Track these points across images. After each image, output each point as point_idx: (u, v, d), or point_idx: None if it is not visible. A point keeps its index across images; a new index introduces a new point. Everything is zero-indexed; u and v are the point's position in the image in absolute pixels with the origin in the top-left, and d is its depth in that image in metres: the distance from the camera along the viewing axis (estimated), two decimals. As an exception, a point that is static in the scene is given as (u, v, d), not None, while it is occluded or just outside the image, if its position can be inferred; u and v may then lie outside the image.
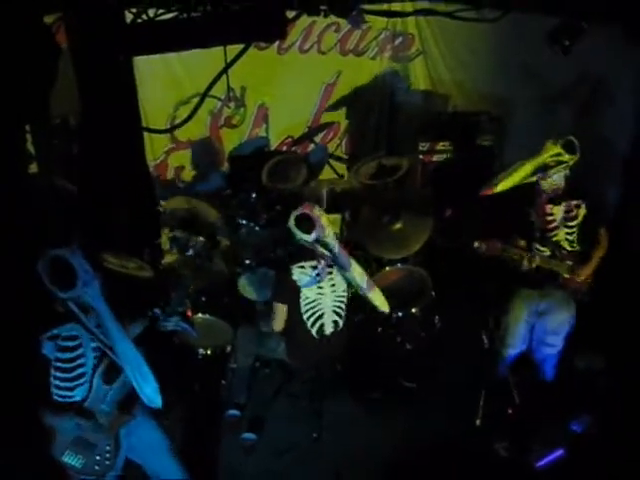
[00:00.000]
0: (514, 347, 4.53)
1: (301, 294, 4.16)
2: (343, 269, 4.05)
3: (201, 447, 4.54)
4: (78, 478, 3.39)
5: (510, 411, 4.49)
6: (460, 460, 4.28)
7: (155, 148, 6.24)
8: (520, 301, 4.46)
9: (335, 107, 6.72)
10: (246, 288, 5.23)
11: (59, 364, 3.24)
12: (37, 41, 2.28)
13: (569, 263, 4.26)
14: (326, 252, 3.96)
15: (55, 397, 3.28)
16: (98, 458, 3.33)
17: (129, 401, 3.41)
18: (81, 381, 3.27)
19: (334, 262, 4.06)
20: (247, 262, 5.29)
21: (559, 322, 4.41)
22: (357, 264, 4.05)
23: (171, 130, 5.95)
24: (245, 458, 4.48)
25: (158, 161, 6.37)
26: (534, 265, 4.19)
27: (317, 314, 4.19)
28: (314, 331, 4.21)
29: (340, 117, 6.82)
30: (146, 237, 5.20)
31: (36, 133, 5.05)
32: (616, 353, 4.84)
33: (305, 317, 4.18)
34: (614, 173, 5.91)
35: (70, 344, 3.23)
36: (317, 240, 3.87)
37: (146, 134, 5.48)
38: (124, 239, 4.84)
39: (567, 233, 4.25)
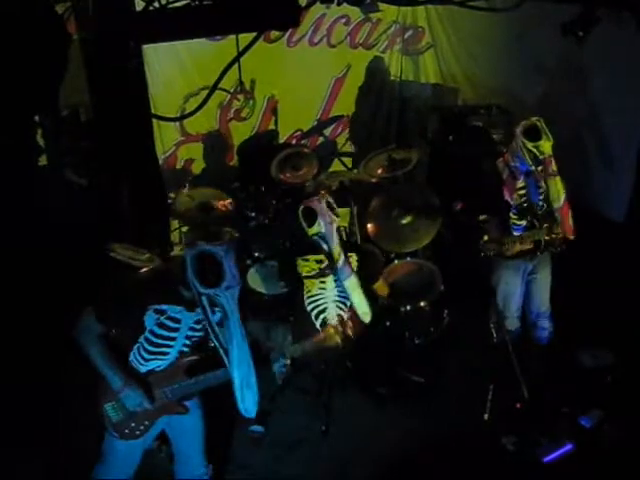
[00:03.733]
0: (518, 312, 4.69)
1: (304, 287, 4.16)
2: (339, 277, 4.04)
3: (209, 439, 4.55)
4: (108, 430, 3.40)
5: (518, 406, 4.47)
6: (468, 454, 4.27)
7: (165, 141, 6.24)
8: (512, 271, 4.57)
9: (345, 100, 6.71)
10: (255, 281, 5.23)
11: (150, 336, 3.23)
12: (47, 31, 2.28)
13: (545, 225, 4.40)
14: (327, 250, 3.96)
15: (130, 358, 3.30)
16: (133, 424, 3.37)
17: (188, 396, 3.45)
18: (159, 358, 3.29)
19: (333, 267, 4.04)
20: (256, 255, 5.30)
21: (546, 280, 4.67)
22: (355, 278, 4.02)
23: (180, 119, 5.94)
24: (253, 450, 4.49)
25: (168, 154, 6.37)
26: (520, 249, 4.37)
27: (320, 307, 4.19)
28: (318, 325, 4.20)
29: (350, 110, 6.80)
30: (155, 229, 5.21)
31: (45, 125, 5.07)
32: (625, 348, 4.82)
33: (309, 310, 4.18)
34: (627, 164, 5.85)
35: (171, 324, 3.22)
36: (319, 235, 3.88)
37: (155, 127, 5.49)
38: (133, 231, 4.86)
39: (540, 201, 4.39)
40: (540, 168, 4.23)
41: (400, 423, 4.62)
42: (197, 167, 6.58)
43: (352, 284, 4.01)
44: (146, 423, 3.41)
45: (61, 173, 5.25)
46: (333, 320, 4.22)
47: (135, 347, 3.27)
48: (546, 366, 4.73)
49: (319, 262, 4.13)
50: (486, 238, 4.38)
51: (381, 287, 4.86)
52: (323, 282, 4.17)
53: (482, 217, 4.44)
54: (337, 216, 3.98)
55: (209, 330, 3.07)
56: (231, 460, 4.42)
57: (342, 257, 3.95)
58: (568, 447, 4.11)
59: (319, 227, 3.87)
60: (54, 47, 2.36)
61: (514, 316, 4.69)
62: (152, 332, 3.23)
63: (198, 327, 3.29)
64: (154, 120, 5.22)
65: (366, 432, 4.56)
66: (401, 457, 4.37)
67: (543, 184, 4.32)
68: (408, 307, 4.97)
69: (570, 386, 4.58)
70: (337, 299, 4.21)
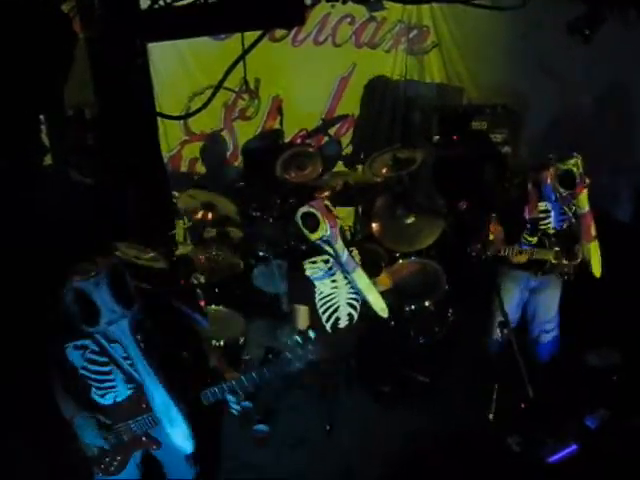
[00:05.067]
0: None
1: (316, 289, 4.15)
2: (346, 272, 4.04)
3: (213, 439, 4.55)
4: None
5: (523, 406, 4.46)
6: (472, 454, 4.26)
7: (169, 140, 6.26)
8: (511, 281, 4.60)
9: (349, 100, 6.71)
10: (259, 280, 5.24)
11: (86, 373, 3.13)
12: (53, 30, 2.28)
13: (556, 249, 4.41)
14: (331, 251, 3.96)
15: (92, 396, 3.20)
16: (107, 459, 3.27)
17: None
18: (110, 391, 3.16)
19: (339, 263, 4.04)
20: (260, 254, 5.30)
21: (552, 301, 4.66)
22: (361, 270, 4.03)
23: (185, 117, 5.95)
24: (257, 450, 4.49)
25: (172, 153, 6.38)
26: (523, 260, 4.36)
27: (332, 308, 4.18)
28: (329, 326, 4.19)
29: (354, 110, 6.79)
30: (160, 228, 5.21)
31: (51, 124, 5.07)
32: (631, 348, 4.80)
33: (320, 311, 4.17)
34: (634, 163, 5.84)
35: (98, 358, 3.09)
36: (322, 239, 3.89)
37: (160, 126, 5.49)
38: (138, 230, 4.86)
39: (559, 226, 4.42)
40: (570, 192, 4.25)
41: (405, 422, 4.61)
42: (201, 166, 6.58)
43: (360, 277, 4.01)
44: (119, 459, 3.27)
45: (66, 172, 5.25)
46: (344, 320, 4.21)
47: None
48: (552, 366, 4.73)
49: (326, 262, 4.12)
50: (492, 237, 4.38)
51: (384, 280, 4.86)
52: (334, 281, 4.17)
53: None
54: (337, 217, 3.99)
55: (120, 368, 2.96)
56: (235, 459, 4.42)
57: (345, 251, 3.96)
58: (573, 447, 4.09)
59: (323, 231, 3.86)
60: (60, 46, 2.36)
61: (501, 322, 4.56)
62: (85, 368, 3.11)
63: (132, 353, 3.04)
64: (159, 119, 5.22)
65: (371, 431, 4.56)
66: (406, 456, 4.36)
67: (567, 210, 4.38)
68: (413, 306, 4.96)
69: (576, 386, 4.56)
70: (349, 298, 4.20)
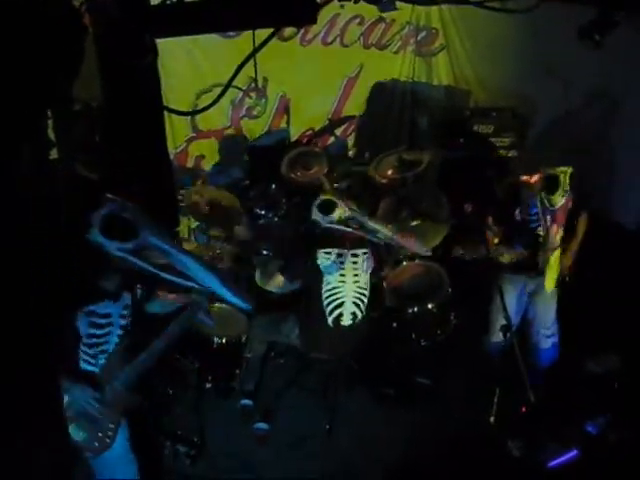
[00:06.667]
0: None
1: (323, 280, 4.16)
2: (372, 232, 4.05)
3: (214, 436, 4.56)
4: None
5: (524, 410, 4.45)
6: (473, 457, 4.27)
7: (176, 137, 6.25)
8: (508, 283, 4.64)
9: (356, 100, 6.70)
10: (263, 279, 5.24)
11: (87, 339, 3.28)
12: (63, 23, 2.29)
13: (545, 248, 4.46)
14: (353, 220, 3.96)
15: (82, 366, 3.33)
16: (100, 434, 3.37)
17: (140, 387, 3.46)
18: (103, 355, 3.35)
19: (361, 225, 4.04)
20: (264, 252, 5.30)
21: (550, 303, 4.71)
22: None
23: (193, 114, 5.96)
24: (257, 448, 4.49)
25: (179, 150, 6.38)
26: (508, 261, 4.44)
27: (337, 302, 4.19)
28: (331, 320, 4.19)
29: (361, 110, 6.79)
30: (165, 225, 5.20)
31: (58, 119, 5.08)
32: (632, 354, 4.79)
33: (325, 304, 4.18)
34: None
35: (102, 321, 3.28)
36: (346, 218, 3.89)
37: (167, 123, 5.49)
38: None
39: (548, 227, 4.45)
40: (549, 218, 4.36)
41: (405, 425, 4.62)
42: (208, 164, 6.59)
43: (384, 228, 4.05)
44: (111, 426, 3.40)
45: (73, 167, 5.25)
46: (348, 318, 4.21)
47: (79, 354, 3.30)
48: (553, 370, 4.73)
49: (340, 255, 4.14)
50: (497, 241, 4.41)
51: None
52: (343, 276, 4.17)
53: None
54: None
55: (149, 270, 3.01)
56: (235, 457, 4.43)
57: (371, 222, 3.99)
58: (574, 453, 4.09)
59: (341, 211, 3.86)
60: (69, 41, 2.36)
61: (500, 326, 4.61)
62: (88, 335, 3.28)
63: (126, 312, 3.36)
64: (166, 115, 5.22)
65: (371, 433, 4.57)
66: (406, 458, 4.37)
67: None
68: (415, 309, 4.96)
69: (576, 391, 4.56)
70: (355, 295, 4.21)
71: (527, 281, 4.65)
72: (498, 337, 4.52)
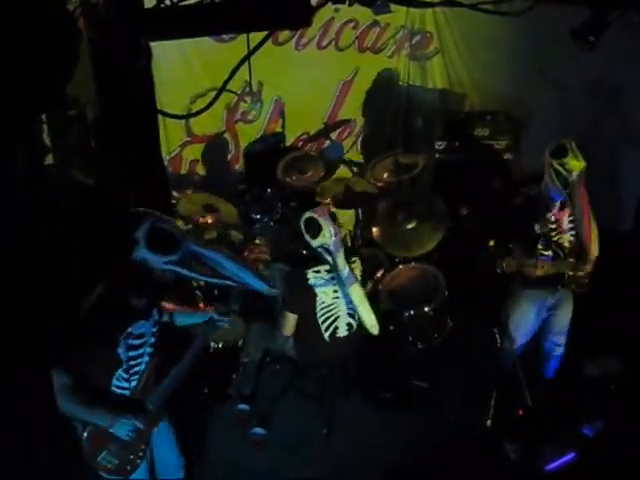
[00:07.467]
0: (522, 340, 4.63)
1: (317, 298, 4.13)
2: (343, 284, 4.03)
3: (210, 441, 4.54)
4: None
5: (521, 412, 4.45)
6: (470, 461, 4.25)
7: (170, 141, 6.23)
8: (528, 300, 4.54)
9: (352, 104, 6.70)
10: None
11: (126, 364, 3.23)
12: (57, 27, 2.28)
13: (572, 261, 4.37)
14: (330, 261, 3.95)
15: (112, 389, 3.27)
16: (132, 457, 3.31)
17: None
18: (136, 377, 3.30)
19: (336, 274, 4.04)
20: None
21: (567, 316, 4.64)
22: (359, 285, 4.05)
23: (187, 117, 5.93)
24: (254, 453, 4.47)
25: (173, 154, 6.36)
26: (544, 273, 4.27)
27: (332, 318, 4.17)
28: (327, 334, 4.17)
29: (356, 114, 6.79)
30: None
31: (53, 124, 5.06)
32: (630, 357, 4.79)
33: (320, 320, 4.15)
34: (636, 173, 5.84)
35: (137, 342, 3.22)
36: (322, 247, 3.88)
37: (161, 127, 5.47)
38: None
39: (571, 235, 4.38)
40: (568, 191, 4.18)
41: (402, 428, 4.61)
42: (202, 168, 6.57)
43: (356, 292, 4.00)
44: (142, 447, 3.34)
45: (67, 172, 5.24)
46: (343, 330, 4.19)
47: (114, 380, 3.25)
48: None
49: (329, 272, 4.11)
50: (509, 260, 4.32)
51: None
52: (336, 291, 4.15)
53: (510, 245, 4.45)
54: (340, 227, 3.99)
55: (191, 278, 3.14)
56: (233, 462, 4.41)
57: (346, 267, 3.95)
58: (571, 456, 4.08)
59: (324, 238, 3.86)
60: (64, 44, 2.35)
61: (516, 339, 4.58)
62: (127, 358, 3.22)
63: (155, 330, 3.31)
64: (160, 119, 5.21)
65: (368, 436, 4.55)
66: (403, 462, 4.36)
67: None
68: (411, 312, 4.95)
69: (574, 394, 4.55)
70: (349, 306, 4.18)
71: (547, 296, 4.54)
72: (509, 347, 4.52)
